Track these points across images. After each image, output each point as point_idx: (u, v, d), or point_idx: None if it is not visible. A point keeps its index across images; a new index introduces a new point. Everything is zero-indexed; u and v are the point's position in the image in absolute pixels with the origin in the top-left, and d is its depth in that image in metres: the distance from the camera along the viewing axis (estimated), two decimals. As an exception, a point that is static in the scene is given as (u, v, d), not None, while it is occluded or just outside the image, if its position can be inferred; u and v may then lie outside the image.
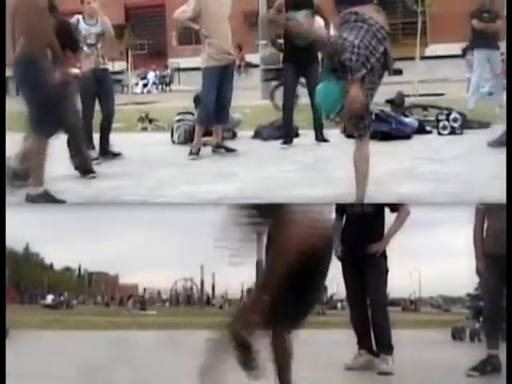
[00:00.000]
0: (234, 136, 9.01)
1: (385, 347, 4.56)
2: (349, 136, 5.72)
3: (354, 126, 4.56)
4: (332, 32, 5.24)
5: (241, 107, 10.64)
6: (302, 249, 3.05)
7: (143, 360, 5.38)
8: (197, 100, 8.69)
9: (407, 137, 8.43)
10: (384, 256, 4.69)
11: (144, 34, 25.76)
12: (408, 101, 10.63)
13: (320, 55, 5.39)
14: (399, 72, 15.35)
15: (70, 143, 6.46)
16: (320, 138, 8.24)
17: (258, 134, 9.07)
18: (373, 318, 4.65)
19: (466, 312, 9.06)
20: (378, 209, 4.70)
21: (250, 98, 13.45)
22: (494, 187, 5.02)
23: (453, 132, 8.62)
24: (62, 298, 25.00)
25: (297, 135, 8.60)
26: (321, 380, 4.39)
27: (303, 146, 8.15)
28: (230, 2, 7.67)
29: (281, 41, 8.22)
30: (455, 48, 18.01)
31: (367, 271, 4.61)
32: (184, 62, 23.47)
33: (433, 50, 21.49)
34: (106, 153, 7.63)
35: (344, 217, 4.79)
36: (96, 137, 7.67)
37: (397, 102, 9.87)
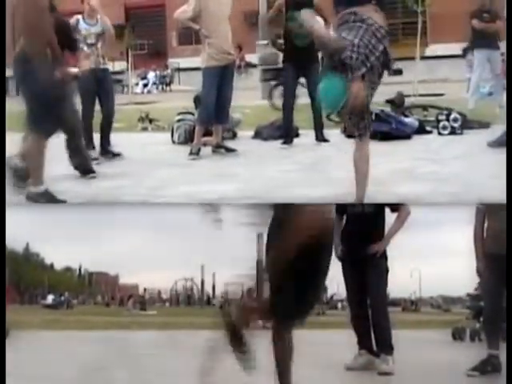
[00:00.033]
0: (234, 136, 9.01)
1: (385, 347, 4.56)
2: (349, 136, 5.72)
3: (353, 125, 4.56)
4: (331, 32, 5.23)
5: (241, 107, 10.64)
6: (301, 241, 3.06)
7: (143, 360, 5.38)
8: (197, 100, 8.69)
9: (407, 137, 8.43)
10: (384, 256, 4.69)
11: (144, 33, 25.76)
12: (408, 101, 10.62)
13: (320, 54, 5.39)
14: (399, 72, 15.34)
15: (68, 143, 6.45)
16: (320, 138, 8.24)
17: (258, 134, 9.06)
18: (373, 318, 4.65)
19: (466, 312, 9.06)
20: (378, 209, 4.70)
21: (250, 98, 13.45)
22: (494, 187, 5.01)
23: (453, 132, 8.62)
24: (62, 298, 25.03)
25: (297, 135, 8.60)
26: (321, 380, 4.39)
27: (303, 146, 8.15)
28: (230, 2, 7.67)
29: (281, 41, 8.20)
30: (455, 48, 17.99)
31: (367, 271, 4.61)
32: (184, 62, 23.47)
33: (433, 50, 21.49)
34: (107, 153, 7.63)
35: (344, 217, 4.79)
36: (96, 137, 7.67)
37: (397, 102, 9.87)
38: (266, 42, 17.88)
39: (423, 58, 16.53)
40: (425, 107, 9.99)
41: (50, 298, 24.26)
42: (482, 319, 5.81)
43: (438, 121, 8.75)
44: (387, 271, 4.70)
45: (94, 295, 36.49)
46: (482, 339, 6.30)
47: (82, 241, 42.42)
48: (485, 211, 4.53)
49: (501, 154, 6.02)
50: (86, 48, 7.40)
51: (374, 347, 4.66)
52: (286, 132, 8.27)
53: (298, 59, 7.85)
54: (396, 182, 5.75)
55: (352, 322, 4.80)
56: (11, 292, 19.99)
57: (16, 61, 5.27)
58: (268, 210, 3.39)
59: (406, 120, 8.83)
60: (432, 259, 40.91)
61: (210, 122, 7.72)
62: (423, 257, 42.24)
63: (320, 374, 4.51)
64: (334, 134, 8.29)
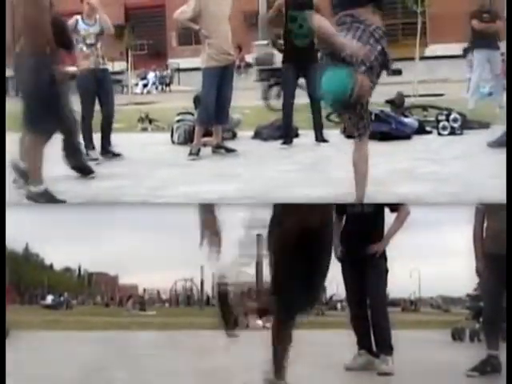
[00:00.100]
0: (233, 136, 9.01)
1: (385, 348, 4.56)
2: (348, 136, 5.72)
3: (353, 125, 4.56)
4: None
5: (241, 107, 10.64)
6: (301, 226, 3.08)
7: (143, 360, 5.38)
8: (196, 100, 8.69)
9: (407, 137, 8.43)
10: (384, 256, 4.69)
11: (144, 34, 25.78)
12: (408, 101, 10.62)
13: (320, 53, 5.36)
14: (399, 72, 15.38)
15: (65, 142, 6.38)
16: (320, 138, 8.24)
17: (257, 135, 9.06)
18: (373, 319, 4.65)
19: (465, 312, 9.07)
20: (378, 209, 4.70)
21: (250, 98, 13.45)
22: (494, 187, 5.02)
23: (453, 132, 8.62)
24: (61, 299, 25.04)
25: (297, 135, 8.60)
26: (320, 380, 4.39)
27: (303, 146, 8.15)
28: (230, 3, 7.66)
29: (281, 41, 8.20)
30: (455, 48, 18.01)
31: (367, 271, 4.61)
32: (184, 63, 23.47)
33: (433, 50, 21.50)
34: (107, 153, 7.63)
35: (344, 217, 4.79)
36: (96, 137, 7.67)
37: (397, 103, 9.87)
38: (262, 42, 17.93)
39: (423, 58, 16.53)
40: (425, 107, 9.99)
41: (49, 299, 24.27)
42: (481, 319, 5.81)
43: (438, 121, 8.75)
44: (387, 271, 4.70)
45: (93, 295, 36.50)
46: (481, 339, 6.29)
47: (81, 241, 42.42)
48: (484, 211, 4.54)
49: (501, 155, 6.02)
50: (85, 48, 7.40)
51: (374, 347, 4.66)
52: (285, 132, 8.27)
53: (298, 59, 7.85)
54: (396, 182, 5.75)
55: (351, 323, 4.80)
56: (11, 292, 19.98)
57: (17, 61, 5.28)
58: (268, 210, 3.40)
59: (406, 120, 8.83)
60: (432, 259, 40.97)
61: (210, 122, 7.72)
62: (423, 257, 42.24)
63: (320, 374, 4.51)
64: (333, 134, 8.29)
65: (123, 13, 26.41)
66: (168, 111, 11.36)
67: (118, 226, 40.91)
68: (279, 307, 3.22)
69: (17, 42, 5.29)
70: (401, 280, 24.40)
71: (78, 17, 7.47)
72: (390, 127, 8.37)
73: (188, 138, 8.59)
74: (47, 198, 5.35)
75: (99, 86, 7.50)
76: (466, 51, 13.58)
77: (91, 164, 7.27)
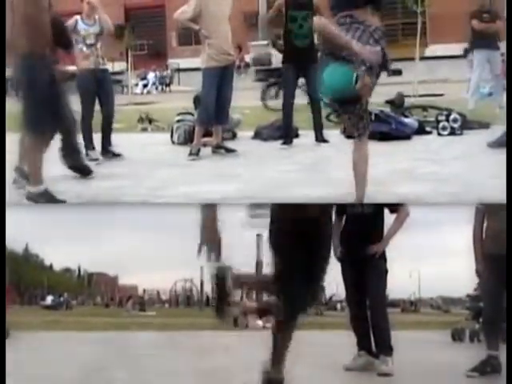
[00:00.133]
0: (233, 136, 9.01)
1: (384, 348, 4.56)
2: (348, 137, 5.72)
3: (352, 125, 4.56)
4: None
5: (240, 107, 10.64)
6: (299, 215, 3.11)
7: (143, 361, 5.38)
8: (196, 100, 8.69)
9: (407, 137, 8.42)
10: (383, 257, 4.68)
11: (144, 34, 25.79)
12: (408, 101, 10.62)
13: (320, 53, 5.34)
14: (399, 72, 15.38)
15: (63, 142, 6.33)
16: (320, 138, 8.24)
17: (257, 135, 9.06)
18: (372, 319, 4.65)
19: (465, 313, 9.06)
20: (378, 209, 4.70)
21: (250, 98, 13.45)
22: (494, 187, 5.01)
23: (452, 132, 8.62)
24: (61, 299, 25.05)
25: (297, 136, 8.60)
26: (320, 381, 4.39)
27: (303, 146, 8.14)
28: (231, 3, 7.66)
29: (281, 41, 8.20)
30: (455, 48, 18.01)
31: (367, 272, 4.61)
32: (184, 63, 23.48)
33: (432, 50, 21.51)
34: (107, 153, 7.63)
35: (344, 217, 4.79)
36: (96, 137, 7.67)
37: (397, 103, 9.87)
38: (258, 42, 17.97)
39: (423, 58, 16.53)
40: (424, 108, 9.99)
41: (49, 299, 24.29)
42: (481, 320, 5.80)
43: (438, 121, 8.75)
44: (386, 272, 4.70)
45: (93, 296, 36.52)
46: (481, 340, 6.29)
47: (81, 241, 42.48)
48: (484, 211, 4.53)
49: (501, 155, 6.02)
50: (85, 48, 7.39)
51: (374, 348, 4.66)
52: (285, 132, 8.27)
53: (298, 59, 7.85)
54: (396, 182, 5.75)
55: (351, 323, 4.80)
56: (11, 292, 19.96)
57: (17, 61, 5.27)
58: (267, 210, 3.41)
59: (406, 120, 8.83)
60: (431, 260, 40.98)
61: (210, 122, 7.72)
62: (423, 257, 42.30)
63: (319, 375, 4.51)
64: (333, 134, 8.29)
65: (123, 13, 26.41)
66: (168, 111, 11.36)
67: (118, 226, 40.98)
68: (281, 298, 3.24)
69: (17, 42, 5.27)
70: (400, 280, 24.42)
71: (78, 17, 7.47)
72: (389, 127, 8.37)
73: (188, 138, 8.59)
74: (47, 198, 5.35)
75: (99, 87, 7.50)
76: (467, 51, 13.57)
77: (91, 164, 7.27)
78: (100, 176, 6.57)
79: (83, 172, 6.49)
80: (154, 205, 5.96)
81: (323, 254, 3.41)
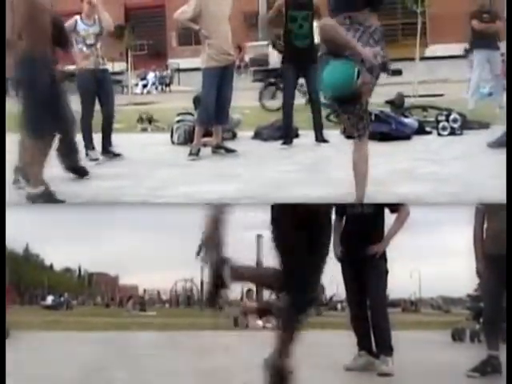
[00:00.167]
0: (233, 136, 9.01)
1: (385, 348, 4.56)
2: (348, 137, 5.72)
3: (352, 126, 4.56)
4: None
5: (241, 107, 10.64)
6: (300, 210, 3.13)
7: (143, 361, 5.38)
8: (196, 101, 8.70)
9: (407, 137, 8.43)
10: (384, 257, 4.68)
11: (144, 34, 25.80)
12: (408, 101, 10.63)
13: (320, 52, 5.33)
14: (399, 73, 15.39)
15: (61, 142, 6.26)
16: (320, 138, 8.24)
17: (257, 135, 9.07)
18: (373, 319, 4.65)
19: (466, 313, 9.06)
20: (378, 209, 4.70)
21: (250, 98, 13.45)
22: (494, 187, 5.02)
23: (452, 133, 8.62)
24: (62, 299, 25.02)
25: (297, 136, 8.60)
26: (320, 381, 4.38)
27: (303, 146, 8.15)
28: (231, 3, 7.66)
29: (281, 41, 8.20)
30: (455, 49, 18.03)
31: (367, 272, 4.61)
32: (184, 63, 23.49)
33: (433, 50, 21.52)
34: (108, 153, 7.63)
35: (344, 217, 4.79)
36: (96, 137, 7.67)
37: (396, 103, 9.88)
38: (255, 43, 18.01)
39: (423, 58, 16.53)
40: (424, 108, 9.99)
41: (49, 299, 24.27)
42: (481, 320, 5.81)
43: (438, 121, 8.75)
44: (387, 272, 4.70)
45: (93, 296, 36.51)
46: (481, 340, 6.29)
47: (81, 241, 42.46)
48: (484, 212, 4.53)
49: (501, 155, 6.02)
50: (85, 49, 7.39)
51: (374, 348, 4.66)
52: (285, 132, 8.27)
53: (298, 59, 7.85)
54: (396, 182, 5.75)
55: (351, 323, 4.80)
56: (11, 292, 19.96)
57: (18, 61, 5.26)
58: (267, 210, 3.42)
59: (406, 121, 8.83)
60: (432, 260, 40.96)
61: (210, 122, 7.72)
62: (423, 257, 42.26)
63: (320, 375, 4.51)
64: (333, 134, 8.29)
65: (123, 13, 26.42)
66: (168, 111, 11.36)
67: (118, 226, 40.96)
68: (286, 292, 3.25)
69: (17, 42, 5.28)
70: (401, 280, 24.39)
71: (78, 17, 7.46)
72: (389, 127, 8.37)
73: (188, 139, 8.59)
74: (47, 199, 5.35)
75: (99, 87, 7.50)
76: (468, 51, 13.58)
77: (91, 164, 7.28)
78: (100, 176, 6.57)
79: (79, 173, 6.46)
80: (154, 205, 5.97)
81: (325, 250, 3.43)
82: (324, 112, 8.40)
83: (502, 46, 10.14)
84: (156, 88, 25.27)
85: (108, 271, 42.52)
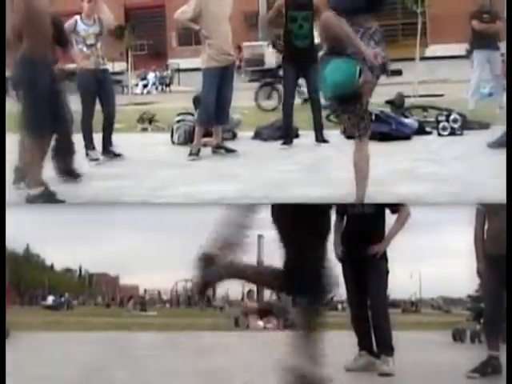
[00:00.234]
0: (234, 137, 9.01)
1: (385, 348, 4.55)
2: (349, 137, 5.73)
3: (353, 126, 4.55)
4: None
5: (241, 108, 10.64)
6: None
7: (143, 361, 5.37)
8: (196, 101, 8.69)
9: (407, 137, 8.43)
10: (384, 257, 4.68)
11: (144, 34, 25.77)
12: (408, 101, 10.62)
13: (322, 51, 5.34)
14: (399, 73, 15.36)
15: (58, 142, 6.18)
16: (320, 138, 8.24)
17: (258, 135, 9.06)
18: (373, 320, 4.64)
19: (466, 313, 9.06)
20: (379, 210, 4.69)
21: (250, 98, 13.45)
22: (494, 187, 5.01)
23: (453, 133, 8.62)
24: (62, 299, 25.01)
25: (297, 136, 8.60)
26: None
27: (303, 146, 8.15)
28: (231, 3, 7.66)
29: (281, 41, 8.20)
30: (455, 49, 18.01)
31: (368, 272, 4.61)
32: (184, 63, 23.47)
33: (433, 50, 21.50)
34: (108, 153, 7.63)
35: (345, 217, 4.79)
36: (96, 137, 7.66)
37: (397, 103, 9.87)
38: (252, 43, 18.04)
39: (423, 58, 16.52)
40: (425, 108, 9.99)
41: (50, 299, 24.26)
42: (482, 320, 5.80)
43: (438, 121, 8.75)
44: (387, 272, 4.69)
45: (94, 296, 36.48)
46: (482, 341, 6.29)
47: (82, 241, 42.47)
48: (485, 212, 4.53)
49: (501, 155, 6.02)
50: (85, 49, 7.39)
51: (375, 348, 4.66)
52: (285, 133, 8.27)
53: (298, 59, 7.85)
54: (396, 182, 5.75)
55: (352, 323, 4.80)
56: (11, 293, 19.98)
57: (18, 61, 5.26)
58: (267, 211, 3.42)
59: (406, 121, 8.83)
60: (432, 260, 40.93)
61: (210, 122, 7.72)
62: (423, 258, 42.27)
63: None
64: (333, 134, 8.29)
65: (123, 13, 26.38)
66: (168, 111, 11.36)
67: (118, 226, 40.96)
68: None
69: (17, 42, 5.27)
70: (401, 281, 24.39)
71: (77, 17, 7.45)
72: (390, 128, 8.37)
73: (188, 139, 8.59)
74: (46, 199, 5.35)
75: (100, 87, 7.49)
76: (469, 52, 13.58)
77: (91, 164, 7.29)
78: (100, 176, 6.57)
79: (71, 175, 6.36)
80: (154, 205, 5.96)
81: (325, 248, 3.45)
82: (324, 112, 8.40)
83: (502, 46, 10.13)
84: (156, 88, 25.26)
85: (108, 271, 42.53)
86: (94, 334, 8.84)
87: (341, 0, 4.38)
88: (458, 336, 7.66)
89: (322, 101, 7.47)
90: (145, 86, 25.04)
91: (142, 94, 23.92)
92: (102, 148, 7.65)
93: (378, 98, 7.26)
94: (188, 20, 7.59)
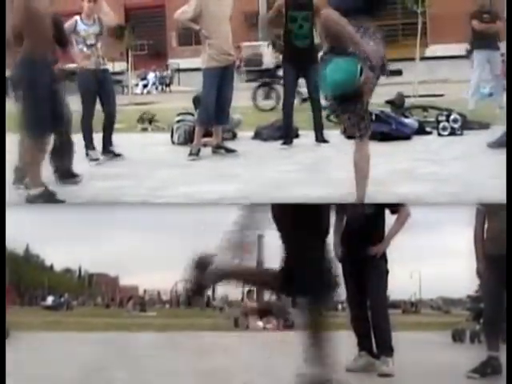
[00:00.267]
0: (234, 137, 9.01)
1: (385, 349, 4.55)
2: (349, 137, 5.74)
3: (353, 126, 4.55)
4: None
5: (241, 108, 10.64)
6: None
7: (143, 361, 5.37)
8: (196, 101, 8.70)
9: (407, 137, 8.43)
10: (384, 257, 4.68)
11: (144, 34, 25.77)
12: (408, 101, 10.63)
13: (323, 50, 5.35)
14: (399, 73, 15.38)
15: (56, 142, 6.19)
16: (320, 138, 8.24)
17: (258, 135, 9.07)
18: (373, 320, 4.64)
19: (466, 314, 9.04)
20: (379, 210, 4.69)
21: (248, 98, 13.46)
22: (494, 187, 5.01)
23: (453, 133, 8.62)
24: (62, 300, 24.97)
25: (297, 136, 8.60)
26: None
27: (303, 146, 8.15)
28: (231, 3, 7.66)
29: (281, 41, 8.20)
30: (455, 49, 18.03)
31: (367, 272, 4.60)
32: (184, 63, 23.48)
33: (433, 50, 21.50)
34: (108, 153, 7.63)
35: (344, 218, 4.78)
36: (96, 137, 7.67)
37: (397, 103, 9.87)
38: (249, 43, 18.05)
39: (423, 58, 16.53)
40: (425, 108, 9.99)
41: (49, 300, 24.22)
42: (482, 321, 5.80)
43: (438, 121, 8.75)
44: (387, 272, 4.69)
45: (93, 296, 36.44)
46: (481, 341, 6.28)
47: (81, 241, 42.42)
48: (485, 212, 4.53)
49: (501, 155, 6.02)
50: (85, 49, 7.39)
51: (374, 349, 4.65)
52: (285, 133, 8.27)
53: (298, 60, 7.86)
54: (396, 182, 5.75)
55: (352, 324, 4.79)
56: (11, 293, 19.97)
57: (18, 61, 5.26)
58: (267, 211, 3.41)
59: (406, 121, 8.83)
60: (432, 260, 40.90)
61: (210, 122, 7.72)
62: (423, 258, 42.20)
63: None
64: (333, 134, 8.29)
65: (123, 13, 26.37)
66: (168, 111, 11.36)
67: (118, 226, 40.89)
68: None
69: (17, 42, 5.27)
70: (401, 281, 24.36)
71: (78, 17, 7.46)
72: (390, 128, 8.37)
73: (188, 139, 8.59)
74: (46, 199, 5.35)
75: (100, 87, 7.49)
76: (470, 52, 13.58)
77: (92, 164, 7.29)
78: (100, 176, 6.57)
79: (67, 176, 6.32)
80: (154, 205, 5.96)
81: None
82: (324, 112, 8.40)
83: (502, 46, 10.14)
84: (156, 88, 25.27)
85: (108, 271, 42.48)
86: (93, 335, 8.84)
87: (341, 0, 4.38)
88: (457, 336, 7.65)
89: (322, 101, 7.48)
90: (145, 85, 25.04)
91: (142, 94, 23.92)
92: (102, 148, 7.66)
93: (378, 98, 7.27)
94: (188, 20, 7.59)
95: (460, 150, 7.50)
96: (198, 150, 7.59)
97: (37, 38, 5.20)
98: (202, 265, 3.23)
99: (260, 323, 9.90)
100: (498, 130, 7.43)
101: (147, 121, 10.85)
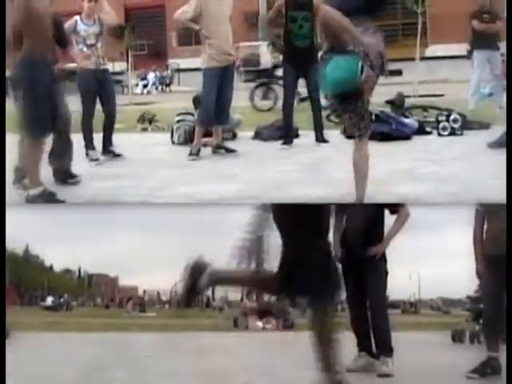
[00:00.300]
0: (234, 137, 9.01)
1: (385, 349, 4.55)
2: (349, 137, 5.73)
3: (353, 125, 4.55)
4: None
5: (241, 108, 10.64)
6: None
7: (143, 362, 5.37)
8: (196, 101, 8.69)
9: (407, 137, 8.42)
10: (384, 258, 4.67)
11: (144, 34, 25.76)
12: (408, 101, 10.62)
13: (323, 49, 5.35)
14: (399, 73, 15.38)
15: (55, 142, 6.19)
16: (320, 138, 8.24)
17: (258, 135, 9.06)
18: (373, 320, 4.64)
19: (465, 314, 9.05)
20: (378, 210, 4.69)
21: (246, 98, 13.46)
22: (494, 187, 5.01)
23: (453, 133, 8.62)
24: (61, 300, 24.98)
25: (297, 136, 8.60)
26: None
27: (303, 146, 8.14)
28: (231, 3, 7.66)
29: (281, 41, 8.20)
30: (455, 49, 18.00)
31: (367, 273, 4.60)
32: (184, 63, 23.47)
33: (433, 50, 21.49)
34: (108, 152, 7.62)
35: (344, 218, 4.78)
36: (96, 137, 7.66)
37: (397, 103, 9.87)
38: (247, 43, 18.07)
39: (423, 58, 16.53)
40: (425, 108, 9.99)
41: (49, 300, 24.23)
42: (481, 321, 5.80)
43: (438, 121, 8.75)
44: (387, 273, 4.69)
45: (93, 297, 36.43)
46: (481, 341, 6.28)
47: (81, 242, 42.40)
48: (484, 213, 4.52)
49: (501, 155, 6.02)
50: (85, 49, 7.39)
51: (374, 349, 4.65)
52: (285, 133, 8.27)
53: (298, 60, 7.85)
54: (396, 182, 5.75)
55: (351, 324, 4.79)
56: (11, 293, 19.97)
57: (19, 62, 5.25)
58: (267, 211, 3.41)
59: (406, 121, 8.83)
60: (431, 261, 40.84)
61: (210, 122, 7.72)
62: (423, 259, 42.16)
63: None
64: (333, 134, 8.28)
65: (123, 13, 26.35)
66: (168, 111, 11.35)
67: (118, 226, 40.86)
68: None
69: (17, 42, 5.27)
70: (401, 282, 24.34)
71: (78, 17, 7.45)
72: (390, 128, 8.37)
73: (188, 139, 8.59)
74: (46, 199, 5.35)
75: (100, 87, 7.49)
76: (470, 52, 13.57)
77: (92, 164, 7.29)
78: (100, 176, 6.57)
79: (66, 177, 6.28)
80: (154, 205, 5.96)
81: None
82: (324, 112, 8.40)
83: (502, 46, 10.13)
84: (156, 88, 25.25)
85: (108, 272, 42.45)
86: (93, 335, 8.84)
87: (341, 0, 4.38)
88: (457, 337, 7.66)
89: (322, 101, 7.48)
90: (145, 85, 25.03)
91: (142, 94, 23.90)
92: (102, 148, 7.65)
93: (378, 98, 7.27)
94: (188, 20, 7.59)
95: (460, 150, 7.50)
96: (198, 150, 7.59)
97: (37, 38, 5.20)
98: (196, 270, 3.23)
99: (259, 323, 9.90)
100: (498, 130, 7.43)
101: (147, 121, 10.84)
